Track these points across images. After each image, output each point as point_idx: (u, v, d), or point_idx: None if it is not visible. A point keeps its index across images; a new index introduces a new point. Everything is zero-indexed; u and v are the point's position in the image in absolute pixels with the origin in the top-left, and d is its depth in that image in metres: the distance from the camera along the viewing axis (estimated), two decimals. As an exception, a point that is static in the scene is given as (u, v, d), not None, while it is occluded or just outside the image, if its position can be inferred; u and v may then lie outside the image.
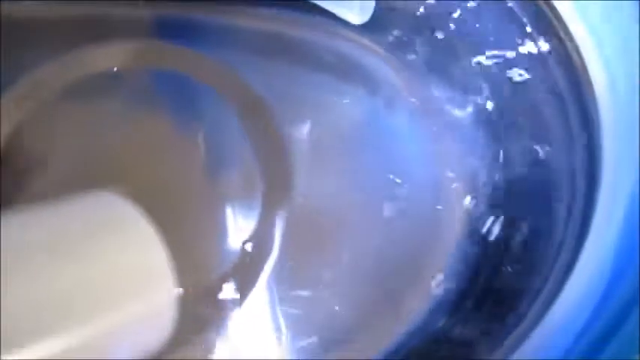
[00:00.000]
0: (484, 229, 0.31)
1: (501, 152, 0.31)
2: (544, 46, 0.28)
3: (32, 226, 0.20)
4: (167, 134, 0.30)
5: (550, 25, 0.28)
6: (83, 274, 0.20)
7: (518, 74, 0.29)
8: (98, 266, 0.21)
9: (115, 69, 0.31)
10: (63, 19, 0.30)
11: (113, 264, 0.21)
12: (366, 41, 0.32)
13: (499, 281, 0.29)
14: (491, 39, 0.30)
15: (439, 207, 0.31)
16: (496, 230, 0.30)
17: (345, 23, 0.31)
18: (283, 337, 0.29)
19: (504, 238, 0.30)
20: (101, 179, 0.29)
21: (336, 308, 0.30)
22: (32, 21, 0.30)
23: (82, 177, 0.29)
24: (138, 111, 0.31)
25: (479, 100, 0.31)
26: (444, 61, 0.31)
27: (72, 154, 0.30)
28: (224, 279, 0.29)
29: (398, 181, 0.31)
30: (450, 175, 0.32)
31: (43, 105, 0.30)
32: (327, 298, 0.30)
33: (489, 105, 0.31)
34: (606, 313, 0.23)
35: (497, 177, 0.31)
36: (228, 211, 0.30)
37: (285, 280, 0.30)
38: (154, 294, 0.22)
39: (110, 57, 0.31)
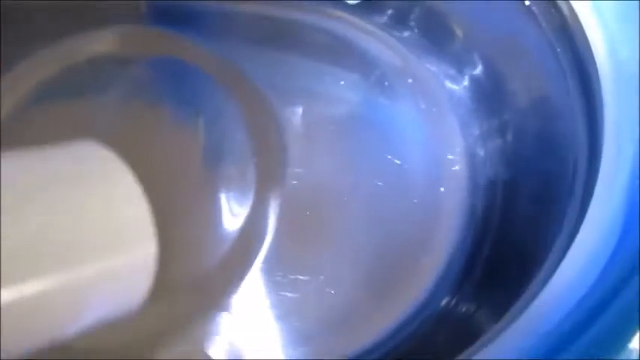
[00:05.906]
0: (486, 206, 0.30)
1: (499, 123, 0.30)
2: (539, 12, 0.27)
3: (17, 170, 0.20)
4: (166, 124, 0.30)
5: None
6: (63, 220, 0.19)
7: (512, 42, 0.29)
8: (79, 214, 0.20)
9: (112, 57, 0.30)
10: (53, 6, 0.30)
11: (95, 214, 0.20)
12: (360, 21, 0.32)
13: (501, 253, 0.28)
14: (485, 9, 0.29)
15: (442, 189, 0.30)
16: (499, 204, 0.29)
17: (339, 3, 0.31)
18: (277, 323, 0.28)
19: (506, 210, 0.29)
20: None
21: (332, 292, 0.29)
22: (22, 11, 0.29)
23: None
24: (136, 102, 0.30)
25: (474, 72, 0.31)
26: (438, 35, 0.31)
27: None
28: (219, 265, 0.28)
29: (397, 162, 0.31)
30: (451, 157, 0.31)
31: (24, 99, 0.30)
32: (325, 281, 0.29)
33: (484, 76, 0.30)
34: (609, 280, 0.22)
35: (497, 150, 0.30)
36: (223, 198, 0.29)
37: (281, 264, 0.29)
38: (134, 249, 0.21)
39: (103, 45, 0.31)
